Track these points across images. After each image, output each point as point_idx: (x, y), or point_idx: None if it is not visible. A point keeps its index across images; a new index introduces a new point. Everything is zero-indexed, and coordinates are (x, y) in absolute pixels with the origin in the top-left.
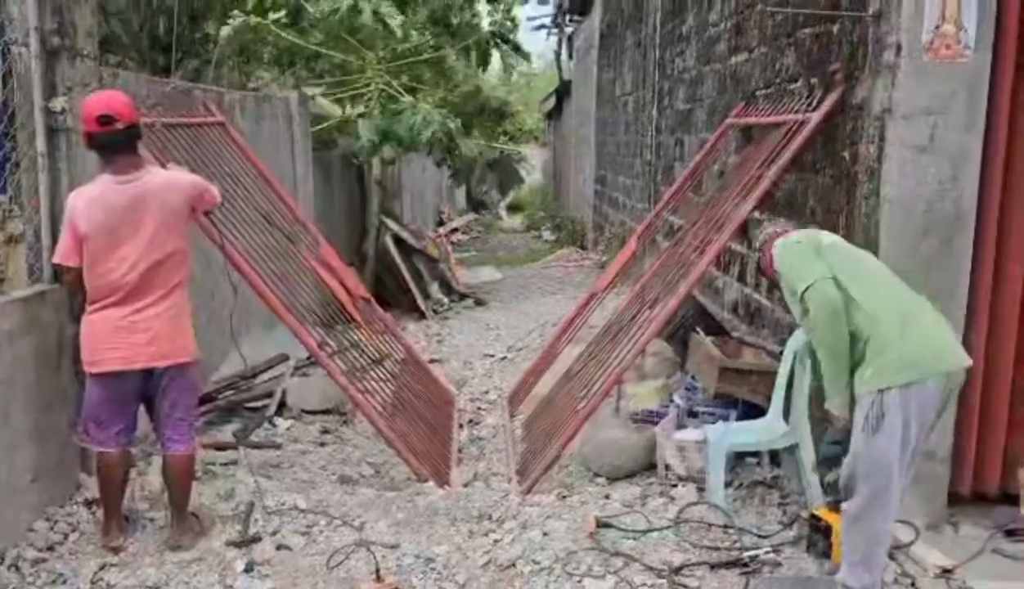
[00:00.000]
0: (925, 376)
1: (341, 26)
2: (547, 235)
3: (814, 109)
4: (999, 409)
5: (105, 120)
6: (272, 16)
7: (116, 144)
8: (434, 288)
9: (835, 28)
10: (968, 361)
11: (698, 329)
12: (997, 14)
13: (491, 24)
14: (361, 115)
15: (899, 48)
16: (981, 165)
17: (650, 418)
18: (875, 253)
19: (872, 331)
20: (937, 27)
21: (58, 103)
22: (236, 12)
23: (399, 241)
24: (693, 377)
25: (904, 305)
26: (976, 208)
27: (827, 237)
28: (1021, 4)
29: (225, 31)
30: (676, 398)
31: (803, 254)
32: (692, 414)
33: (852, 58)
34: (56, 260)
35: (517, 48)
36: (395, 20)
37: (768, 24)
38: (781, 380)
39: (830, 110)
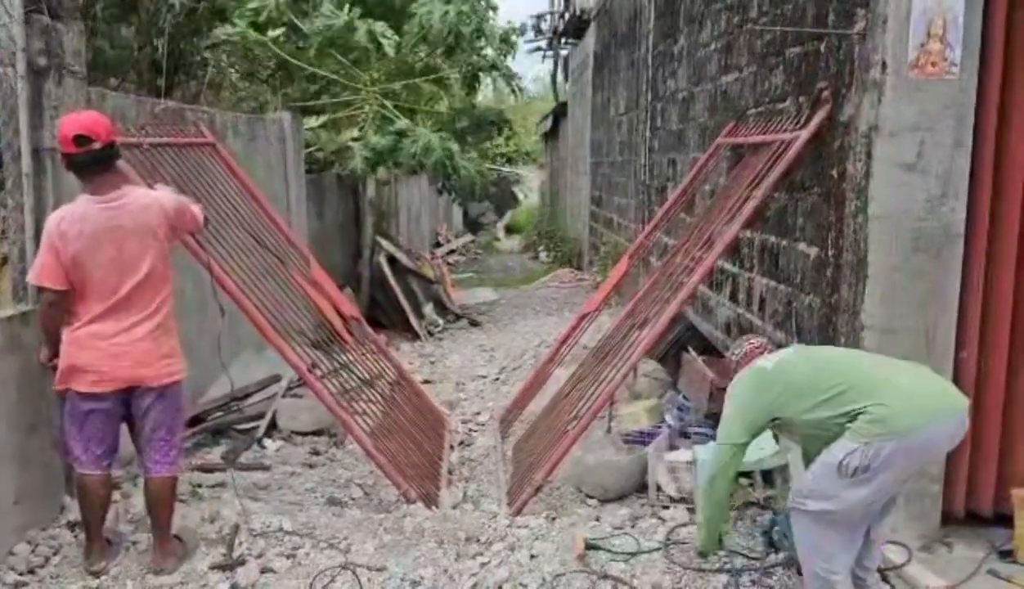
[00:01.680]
0: (911, 429)
1: (334, 44)
2: (543, 256)
3: (802, 127)
4: (992, 427)
5: (82, 141)
6: (270, 33)
7: (94, 164)
8: (428, 309)
9: (822, 46)
10: (958, 403)
11: (690, 348)
12: (983, 30)
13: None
14: (356, 139)
15: (885, 65)
16: (970, 181)
17: (641, 439)
18: (864, 270)
19: (848, 406)
20: (923, 44)
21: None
22: (234, 24)
23: (393, 261)
24: (685, 397)
25: (880, 373)
26: (965, 224)
27: (793, 357)
28: (1007, 20)
29: (221, 51)
30: (668, 418)
31: (743, 397)
32: (684, 434)
33: (839, 76)
34: (33, 280)
35: (509, 77)
36: (388, 40)
37: (757, 44)
38: None
39: (818, 128)
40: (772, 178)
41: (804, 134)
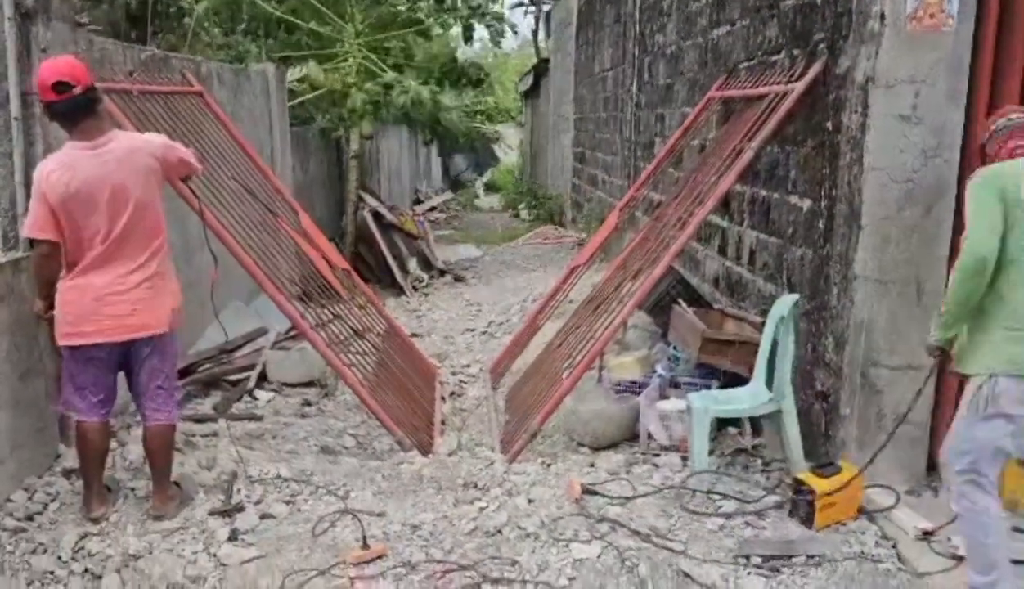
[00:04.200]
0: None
1: None
2: (525, 214)
3: (797, 79)
4: None
5: (62, 88)
6: None
7: (77, 110)
8: (413, 264)
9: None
10: None
11: (680, 301)
12: None
13: None
14: (350, 86)
15: (883, 17)
16: (964, 134)
17: (633, 388)
18: (858, 220)
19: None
20: None
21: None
22: None
23: (378, 216)
24: (675, 348)
25: None
26: (958, 177)
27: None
28: None
29: (202, 5)
30: (659, 369)
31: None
32: (674, 384)
33: (836, 28)
34: (28, 233)
35: (500, 18)
36: None
37: None
38: (764, 347)
39: (813, 80)
40: (766, 131)
41: (799, 86)
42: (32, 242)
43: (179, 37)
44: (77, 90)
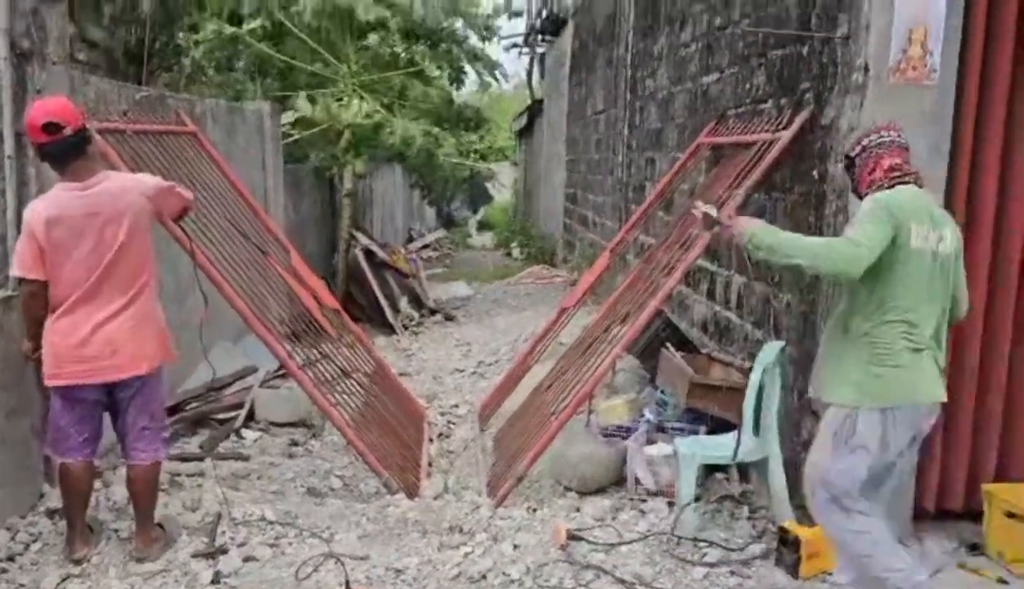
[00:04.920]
0: (898, 404)
1: (322, 28)
2: (517, 252)
3: (784, 128)
4: (963, 425)
5: (52, 129)
6: (247, 26)
7: (67, 151)
8: (404, 303)
9: (805, 49)
10: (939, 397)
11: (668, 345)
12: (963, 37)
13: (466, 31)
14: (342, 122)
15: (867, 69)
16: (946, 186)
17: (620, 433)
18: None
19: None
20: (904, 50)
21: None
22: (210, 20)
23: (370, 255)
24: (663, 392)
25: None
26: None
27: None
28: (985, 28)
29: (201, 47)
30: (646, 413)
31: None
32: (661, 429)
33: (822, 78)
34: (16, 272)
35: (493, 65)
36: (375, 13)
37: (739, 45)
38: (751, 393)
39: (800, 129)
40: (754, 178)
41: (786, 135)
42: (20, 281)
43: (177, 74)
44: (67, 131)
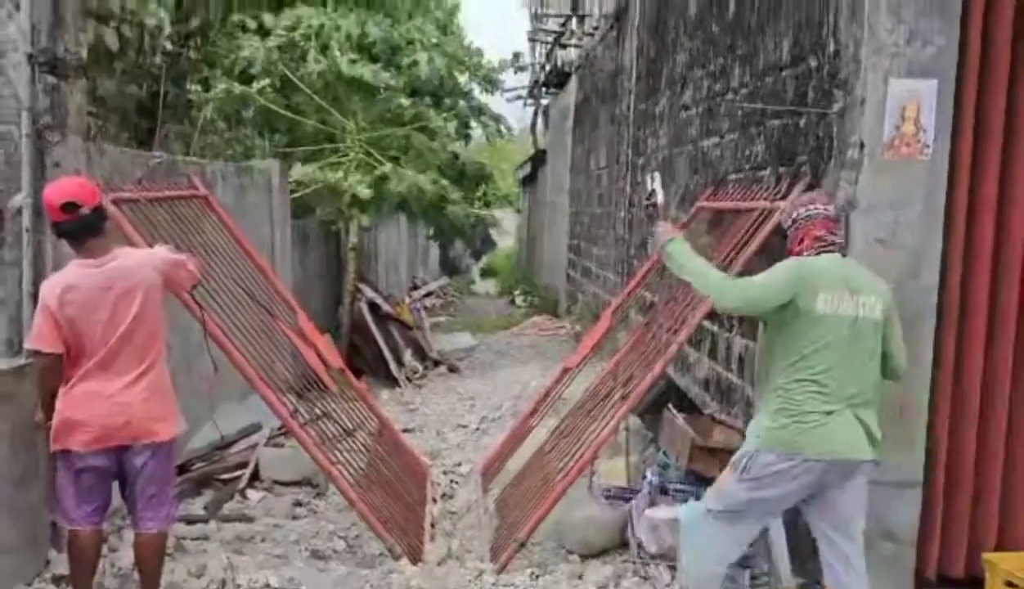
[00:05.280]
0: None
1: (332, 90)
2: (520, 301)
3: (782, 198)
4: (963, 493)
5: (70, 208)
6: (259, 84)
7: (84, 229)
8: (408, 355)
9: (802, 121)
10: (857, 454)
11: (670, 405)
12: (954, 114)
13: (472, 76)
14: (344, 180)
15: (861, 145)
16: (942, 258)
17: (622, 495)
18: None
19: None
20: (898, 127)
21: (17, 200)
22: (221, 79)
23: (374, 307)
24: (665, 454)
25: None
26: (938, 300)
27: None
28: (977, 105)
29: (211, 104)
30: (649, 474)
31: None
32: (664, 491)
33: (818, 151)
34: (31, 345)
35: (497, 119)
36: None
37: (738, 112)
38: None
39: None
40: (752, 247)
41: (784, 206)
42: (35, 353)
43: (188, 126)
44: (85, 210)
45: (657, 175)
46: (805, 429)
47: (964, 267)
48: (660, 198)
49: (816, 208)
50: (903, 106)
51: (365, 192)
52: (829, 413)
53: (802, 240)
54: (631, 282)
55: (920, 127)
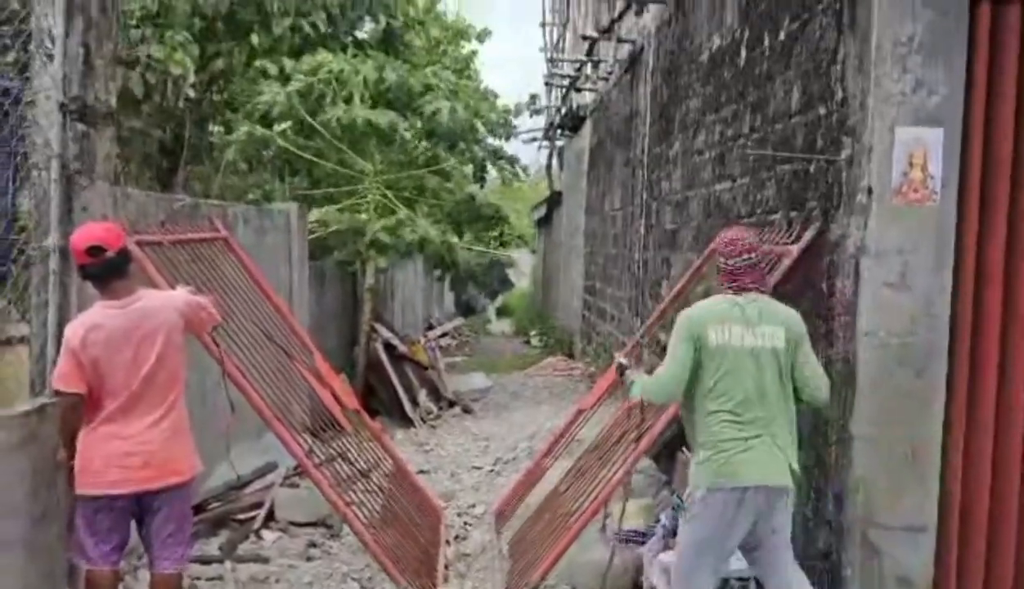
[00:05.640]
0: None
1: (350, 133)
2: (535, 341)
3: (793, 242)
4: (978, 537)
5: (95, 251)
6: (279, 127)
7: (109, 272)
8: (423, 395)
9: (811, 167)
10: (771, 481)
11: (684, 448)
12: (961, 161)
13: (487, 129)
14: (362, 223)
15: (870, 191)
16: (952, 300)
17: (636, 538)
18: (853, 383)
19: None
20: (905, 173)
21: (51, 239)
22: (242, 122)
23: (389, 347)
24: (679, 496)
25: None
26: (949, 342)
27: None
28: (982, 151)
29: (232, 147)
30: (662, 518)
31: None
32: (677, 535)
33: (828, 197)
34: (55, 385)
35: (513, 162)
36: (403, 132)
37: (749, 157)
38: None
39: (808, 245)
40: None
41: (794, 250)
42: (58, 393)
43: (209, 166)
44: (109, 254)
45: (620, 357)
46: (725, 459)
47: (975, 310)
48: (624, 362)
49: (753, 256)
50: (910, 153)
51: (385, 237)
52: (746, 440)
53: (724, 281)
54: (646, 323)
55: (928, 173)
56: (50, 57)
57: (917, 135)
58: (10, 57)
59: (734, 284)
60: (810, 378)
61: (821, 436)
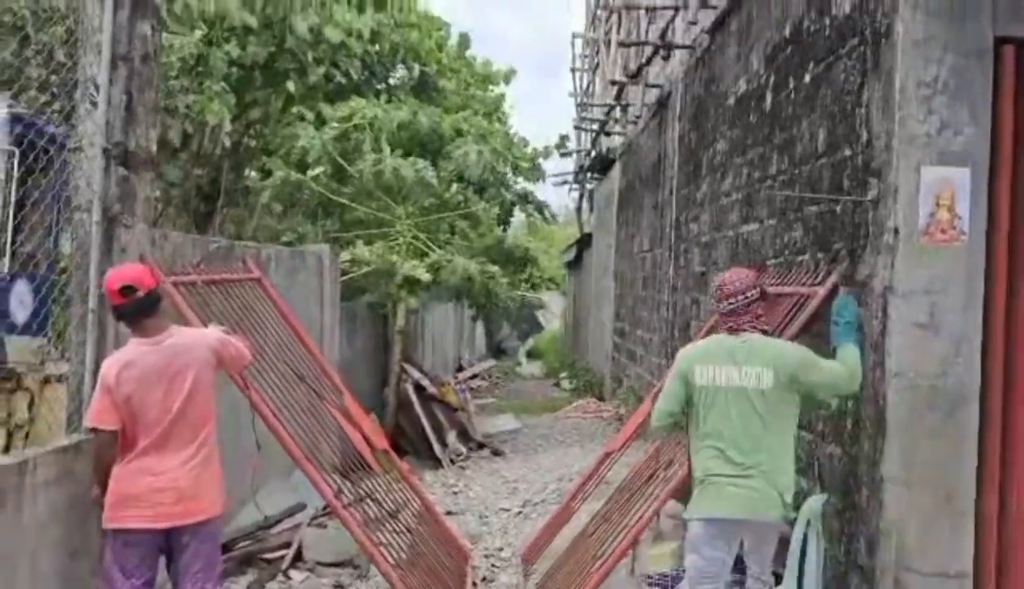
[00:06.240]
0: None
1: (379, 183)
2: (565, 383)
3: (820, 283)
4: (1014, 583)
5: (127, 291)
6: (313, 172)
7: (140, 311)
8: (452, 437)
9: (838, 208)
10: (755, 516)
11: None
12: (989, 200)
13: (516, 172)
14: (393, 263)
15: (897, 232)
16: (983, 342)
17: (664, 581)
18: (883, 424)
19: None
20: (932, 213)
21: (91, 279)
22: (278, 167)
23: (419, 388)
24: None
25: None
26: (980, 383)
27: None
28: (1011, 190)
29: (267, 193)
30: None
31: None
32: None
33: (855, 237)
34: (89, 423)
35: (541, 208)
36: (432, 178)
37: (776, 199)
38: (795, 547)
39: (835, 285)
40: (792, 330)
41: (822, 291)
42: (91, 430)
43: (245, 209)
44: (140, 293)
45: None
46: (704, 491)
47: (1006, 350)
48: None
49: (746, 296)
50: (937, 193)
51: (425, 275)
52: (730, 476)
53: (720, 323)
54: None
55: (955, 213)
56: (95, 104)
57: (944, 175)
58: (56, 105)
59: (728, 324)
60: (826, 385)
61: (852, 478)
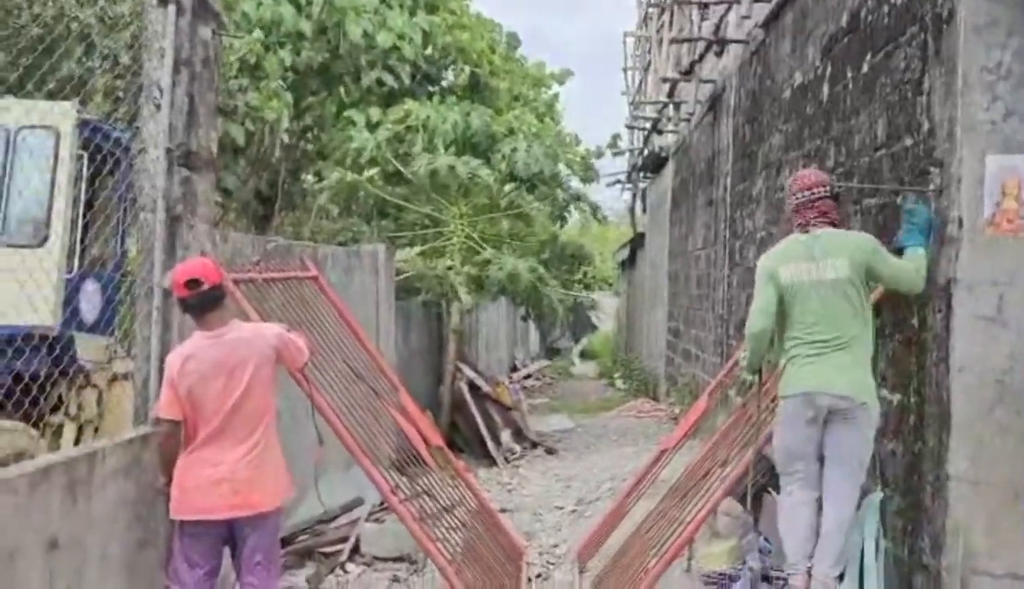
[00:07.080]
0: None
1: (434, 182)
2: (619, 383)
3: None
4: None
5: (192, 284)
6: (368, 173)
7: (204, 304)
8: (506, 435)
9: (899, 199)
10: (833, 390)
11: (770, 489)
12: None
13: (570, 171)
14: (449, 268)
15: (961, 222)
16: None
17: (722, 580)
18: (948, 421)
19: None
20: (998, 203)
21: (166, 279)
22: (333, 169)
23: (474, 387)
24: (766, 539)
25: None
26: None
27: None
28: None
29: (324, 195)
30: (749, 560)
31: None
32: (766, 579)
33: None
34: (156, 413)
35: (596, 209)
36: (488, 177)
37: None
38: (854, 550)
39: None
40: None
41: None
42: (158, 420)
43: (302, 212)
44: (205, 287)
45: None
46: (793, 371)
47: None
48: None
49: (814, 192)
50: (1003, 182)
51: (470, 272)
52: (813, 356)
53: (794, 220)
54: (729, 362)
55: (1022, 203)
56: (158, 107)
57: (1010, 164)
58: (121, 110)
59: (799, 221)
60: (892, 278)
61: (916, 476)
